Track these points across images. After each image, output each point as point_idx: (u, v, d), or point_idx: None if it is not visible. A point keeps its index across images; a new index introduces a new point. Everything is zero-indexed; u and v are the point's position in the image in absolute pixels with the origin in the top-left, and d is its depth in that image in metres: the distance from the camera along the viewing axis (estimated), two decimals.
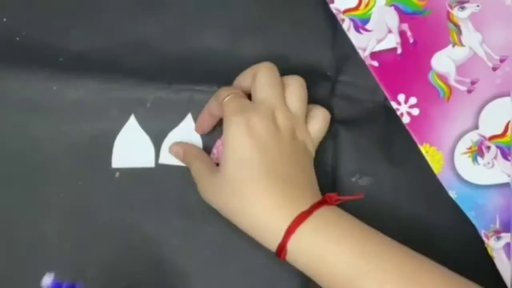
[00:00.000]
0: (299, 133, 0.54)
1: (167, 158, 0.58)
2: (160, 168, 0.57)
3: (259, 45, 0.59)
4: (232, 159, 0.52)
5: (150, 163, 0.58)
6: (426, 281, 0.48)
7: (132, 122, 0.58)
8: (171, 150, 0.58)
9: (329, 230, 0.50)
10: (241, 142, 0.52)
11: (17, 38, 0.58)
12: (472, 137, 0.58)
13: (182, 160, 0.57)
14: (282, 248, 0.50)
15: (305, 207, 0.51)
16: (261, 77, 0.54)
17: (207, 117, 0.57)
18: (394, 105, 0.58)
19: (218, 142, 0.58)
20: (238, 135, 0.52)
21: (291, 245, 0.50)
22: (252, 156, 0.51)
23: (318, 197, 0.53)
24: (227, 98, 0.54)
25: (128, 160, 0.58)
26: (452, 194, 0.58)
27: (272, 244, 0.51)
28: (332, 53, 0.59)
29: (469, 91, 0.58)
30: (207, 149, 0.58)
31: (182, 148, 0.57)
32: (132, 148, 0.58)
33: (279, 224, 0.50)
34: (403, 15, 0.58)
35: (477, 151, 0.58)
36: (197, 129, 0.58)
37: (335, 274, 0.49)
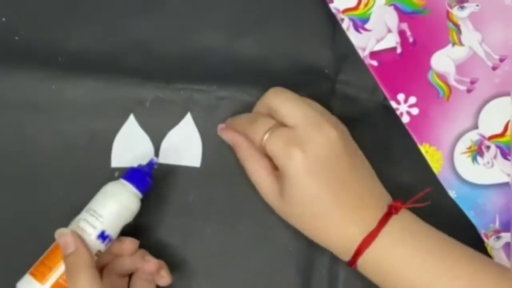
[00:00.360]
0: (344, 138, 0.53)
1: (167, 157, 0.58)
2: (160, 168, 0.57)
3: (258, 44, 0.59)
4: (296, 198, 0.51)
5: None
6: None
7: (131, 122, 0.58)
8: (225, 136, 0.56)
9: (396, 247, 0.50)
10: (302, 181, 0.51)
11: (16, 38, 0.58)
12: (471, 137, 0.58)
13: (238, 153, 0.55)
14: (351, 265, 0.51)
15: (372, 226, 0.50)
16: (282, 103, 0.53)
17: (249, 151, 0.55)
18: (393, 104, 0.58)
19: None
20: (297, 174, 0.51)
21: (360, 263, 0.51)
22: (316, 192, 0.51)
23: (383, 207, 0.52)
24: (266, 136, 0.52)
25: (127, 160, 0.58)
26: (452, 193, 0.58)
27: (348, 248, 0.51)
28: (331, 52, 0.59)
29: (469, 91, 0.58)
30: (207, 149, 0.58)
31: (238, 139, 0.55)
32: (131, 147, 0.58)
33: (348, 247, 0.51)
34: (403, 15, 0.58)
35: (477, 151, 0.58)
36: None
37: (409, 279, 0.50)
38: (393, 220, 0.51)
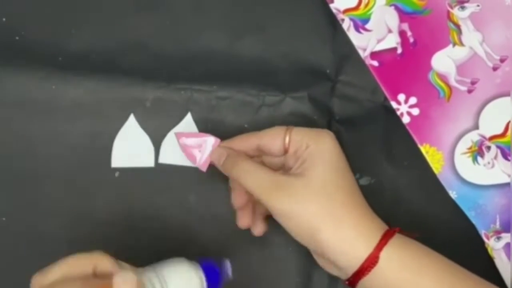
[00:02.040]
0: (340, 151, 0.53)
1: (167, 158, 0.58)
2: (160, 168, 0.57)
3: (258, 44, 0.59)
4: (323, 165, 0.50)
5: (150, 163, 0.58)
6: None
7: (131, 122, 0.58)
8: (213, 155, 0.55)
9: (415, 248, 0.50)
10: (336, 153, 0.51)
11: (17, 38, 0.58)
12: (472, 137, 0.58)
13: (224, 169, 0.54)
14: (359, 274, 0.49)
15: (381, 231, 0.50)
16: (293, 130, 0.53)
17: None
18: (394, 105, 0.58)
19: (206, 141, 0.56)
20: (334, 144, 0.51)
21: (372, 272, 0.49)
22: (347, 169, 0.51)
23: (381, 227, 0.51)
24: (288, 137, 0.52)
25: (127, 160, 0.58)
26: (452, 194, 0.58)
27: (345, 269, 0.50)
28: (332, 53, 0.59)
29: (469, 91, 0.58)
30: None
31: (225, 154, 0.54)
32: (131, 147, 0.58)
33: (358, 249, 0.49)
34: (403, 15, 0.58)
35: (477, 151, 0.58)
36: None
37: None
38: (396, 240, 0.50)
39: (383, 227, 0.50)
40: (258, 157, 0.55)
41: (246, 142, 0.54)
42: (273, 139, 0.53)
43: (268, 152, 0.53)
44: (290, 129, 0.53)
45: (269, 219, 0.56)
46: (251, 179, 0.51)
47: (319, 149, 0.51)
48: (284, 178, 0.51)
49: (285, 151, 0.53)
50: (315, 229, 0.49)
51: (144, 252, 0.57)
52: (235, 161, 0.53)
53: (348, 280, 0.50)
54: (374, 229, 0.50)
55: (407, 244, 0.50)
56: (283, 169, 0.54)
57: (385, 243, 0.49)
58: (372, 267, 0.48)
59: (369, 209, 0.51)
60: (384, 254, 0.48)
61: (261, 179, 0.51)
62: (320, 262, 0.53)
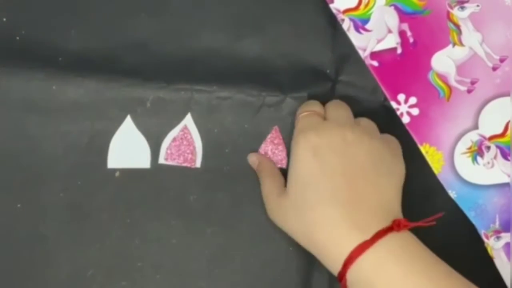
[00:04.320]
0: (377, 150, 0.53)
1: (167, 158, 0.58)
2: (160, 168, 0.57)
3: (259, 44, 0.59)
4: (297, 183, 0.52)
5: (146, 164, 0.58)
6: None
7: (128, 123, 0.58)
8: (249, 158, 0.58)
9: (390, 263, 0.48)
10: (306, 166, 0.51)
11: (17, 38, 0.58)
12: (472, 137, 0.58)
13: (258, 170, 0.57)
14: (341, 277, 0.49)
15: (368, 235, 0.49)
16: (334, 102, 0.56)
17: None
18: (394, 105, 0.58)
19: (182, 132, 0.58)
20: (304, 157, 0.52)
21: (350, 275, 0.49)
22: (318, 180, 0.51)
23: (387, 221, 0.50)
24: (303, 114, 0.54)
25: (123, 161, 0.58)
26: (452, 194, 0.58)
27: (334, 271, 0.50)
28: (332, 53, 0.59)
29: (469, 91, 0.58)
30: (208, 150, 0.58)
31: (258, 159, 0.57)
32: (127, 148, 0.58)
33: (340, 253, 0.49)
34: (403, 15, 0.58)
35: (477, 151, 0.58)
36: None
37: None
38: (392, 237, 0.49)
39: (354, 242, 0.49)
40: None
41: None
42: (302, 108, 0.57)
43: None
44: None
45: (269, 219, 0.56)
46: (263, 190, 0.56)
47: (294, 158, 0.53)
48: (281, 196, 0.54)
49: None
50: (301, 244, 0.53)
51: (144, 252, 0.58)
52: (260, 171, 0.57)
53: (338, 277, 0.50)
54: (344, 246, 0.49)
55: (397, 243, 0.49)
56: None
57: (350, 264, 0.48)
58: (354, 260, 0.48)
59: (350, 220, 0.50)
60: (350, 276, 0.49)
61: (269, 196, 0.56)
62: None
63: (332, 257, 0.50)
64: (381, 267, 0.48)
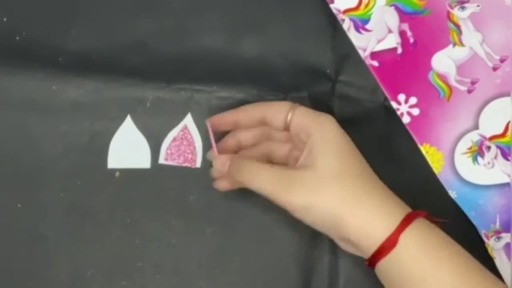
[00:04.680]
0: None
1: (167, 158, 0.58)
2: (160, 168, 0.57)
3: (259, 44, 0.59)
4: (337, 155, 0.50)
5: (146, 164, 0.58)
6: None
7: (128, 123, 0.58)
8: (215, 165, 0.55)
9: (439, 235, 0.48)
10: (339, 139, 0.51)
11: (17, 38, 0.58)
12: (472, 137, 0.58)
13: (231, 174, 0.54)
14: (392, 241, 0.47)
15: (403, 214, 0.48)
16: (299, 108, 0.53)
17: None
18: (394, 105, 0.58)
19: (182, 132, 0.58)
20: (339, 131, 0.51)
21: (404, 238, 0.47)
22: (354, 153, 0.51)
23: (403, 209, 0.50)
24: (290, 114, 0.53)
25: (123, 161, 0.58)
26: (452, 194, 0.58)
27: (366, 250, 0.49)
28: (332, 53, 0.59)
29: (469, 91, 0.58)
30: (207, 150, 0.58)
31: (223, 162, 0.54)
32: (127, 149, 0.58)
33: (391, 218, 0.48)
34: (403, 15, 0.58)
35: (478, 151, 0.58)
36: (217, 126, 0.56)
37: (444, 280, 0.47)
38: (423, 220, 0.49)
39: (406, 210, 0.49)
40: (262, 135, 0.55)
41: (250, 113, 0.54)
42: (276, 113, 0.53)
43: (270, 125, 0.54)
44: (294, 107, 0.53)
45: (269, 219, 0.56)
46: (259, 179, 0.51)
47: (324, 137, 0.51)
48: (294, 172, 0.50)
49: (285, 129, 0.53)
50: (336, 217, 0.48)
51: (144, 252, 0.58)
52: (240, 165, 0.53)
53: (368, 260, 0.49)
54: (396, 210, 0.49)
55: (430, 231, 0.49)
56: (289, 161, 0.54)
57: (405, 226, 0.48)
58: (390, 249, 0.47)
59: (388, 190, 0.51)
60: (403, 238, 0.47)
61: (270, 177, 0.51)
62: (342, 245, 0.52)
63: (368, 233, 0.48)
64: (422, 247, 0.48)
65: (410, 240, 0.48)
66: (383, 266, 0.48)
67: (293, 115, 0.52)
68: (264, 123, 0.54)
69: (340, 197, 0.49)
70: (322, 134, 0.51)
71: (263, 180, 0.51)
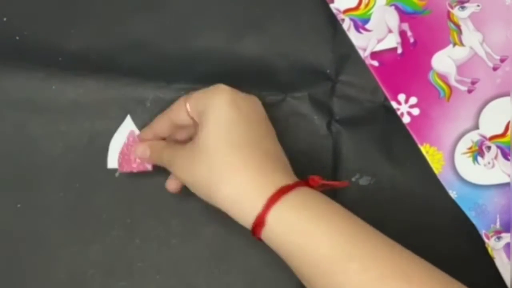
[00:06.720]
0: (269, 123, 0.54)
1: None
2: (160, 168, 0.57)
3: (259, 44, 0.59)
4: (217, 126, 0.49)
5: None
6: (409, 270, 0.45)
7: (127, 123, 0.58)
8: (136, 153, 0.56)
9: (313, 207, 0.47)
10: (227, 110, 0.50)
11: (17, 38, 0.58)
12: (472, 137, 0.58)
13: (151, 159, 0.56)
14: (260, 221, 0.47)
15: (288, 181, 0.48)
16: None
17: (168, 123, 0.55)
18: (394, 105, 0.58)
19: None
20: (224, 103, 0.50)
21: (271, 216, 0.46)
22: (239, 123, 0.50)
23: (280, 180, 0.49)
24: (188, 103, 0.53)
25: None
26: (453, 194, 0.58)
27: (249, 217, 0.47)
28: (332, 53, 0.59)
29: (470, 91, 0.58)
30: None
31: (148, 147, 0.56)
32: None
33: (260, 193, 0.47)
34: (404, 15, 0.58)
35: (478, 151, 0.58)
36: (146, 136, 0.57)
37: (316, 255, 0.46)
38: (310, 189, 0.49)
39: (279, 184, 0.48)
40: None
41: (161, 124, 0.55)
42: (177, 112, 0.53)
43: (181, 125, 0.54)
44: (187, 98, 0.53)
45: None
46: (162, 158, 0.54)
47: (210, 107, 0.50)
48: (180, 147, 0.52)
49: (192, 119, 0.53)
50: (210, 190, 0.49)
51: (144, 252, 0.58)
52: (157, 150, 0.55)
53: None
54: (267, 186, 0.48)
55: (303, 202, 0.48)
56: None
57: (273, 203, 0.47)
58: (260, 229, 0.47)
59: (272, 163, 0.49)
60: (271, 216, 0.47)
61: (167, 155, 0.53)
62: None
63: (249, 200, 0.47)
64: (302, 210, 0.47)
65: (277, 217, 0.47)
66: (264, 238, 0.48)
67: (190, 105, 0.52)
68: (177, 126, 0.54)
69: (210, 167, 0.49)
70: (211, 103, 0.51)
71: (164, 158, 0.53)
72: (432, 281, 0.45)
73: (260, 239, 0.48)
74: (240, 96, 0.52)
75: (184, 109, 0.53)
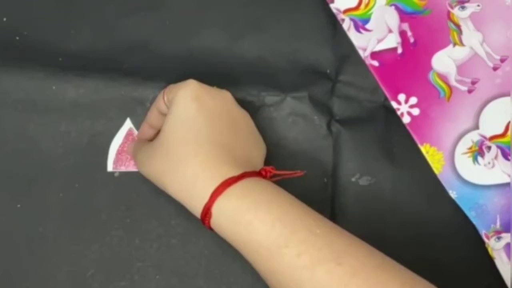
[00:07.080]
0: (250, 121, 0.55)
1: None
2: None
3: (259, 44, 0.59)
4: (175, 120, 0.51)
5: None
6: (342, 252, 0.46)
7: (127, 125, 0.58)
8: (128, 150, 0.58)
9: (256, 196, 0.48)
10: (188, 104, 0.51)
11: (17, 38, 0.58)
12: (472, 137, 0.58)
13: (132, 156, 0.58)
14: (207, 211, 0.48)
15: (237, 173, 0.49)
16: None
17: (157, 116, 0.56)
18: (394, 105, 0.58)
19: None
20: (186, 98, 0.52)
21: (216, 208, 0.48)
22: (197, 118, 0.51)
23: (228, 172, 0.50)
24: (165, 90, 0.54)
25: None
26: (453, 194, 0.58)
27: (198, 207, 0.49)
28: (332, 53, 0.59)
29: (470, 91, 0.58)
30: None
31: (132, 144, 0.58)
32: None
33: (207, 185, 0.49)
34: (404, 15, 0.58)
35: (478, 151, 0.58)
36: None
37: (257, 241, 0.47)
38: (259, 179, 0.50)
39: (226, 175, 0.49)
40: None
41: (152, 114, 0.56)
42: (160, 102, 0.55)
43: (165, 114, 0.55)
44: (165, 91, 0.54)
45: None
46: (133, 154, 0.56)
47: (174, 101, 0.52)
48: (147, 142, 0.55)
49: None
50: (164, 182, 0.51)
51: (144, 252, 0.58)
52: (133, 147, 0.57)
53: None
54: (215, 178, 0.49)
55: (247, 193, 0.48)
56: None
57: (218, 194, 0.48)
58: (208, 220, 0.49)
59: (226, 157, 0.50)
60: (216, 207, 0.48)
61: (134, 151, 0.56)
62: None
63: (198, 190, 0.49)
64: (245, 199, 0.48)
65: (222, 209, 0.48)
66: (213, 229, 0.49)
67: (166, 96, 0.54)
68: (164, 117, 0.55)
69: (161, 161, 0.51)
70: (173, 101, 0.52)
71: (133, 155, 0.56)
72: (364, 260, 0.46)
73: (211, 229, 0.50)
74: (206, 91, 0.53)
75: (163, 101, 0.54)
